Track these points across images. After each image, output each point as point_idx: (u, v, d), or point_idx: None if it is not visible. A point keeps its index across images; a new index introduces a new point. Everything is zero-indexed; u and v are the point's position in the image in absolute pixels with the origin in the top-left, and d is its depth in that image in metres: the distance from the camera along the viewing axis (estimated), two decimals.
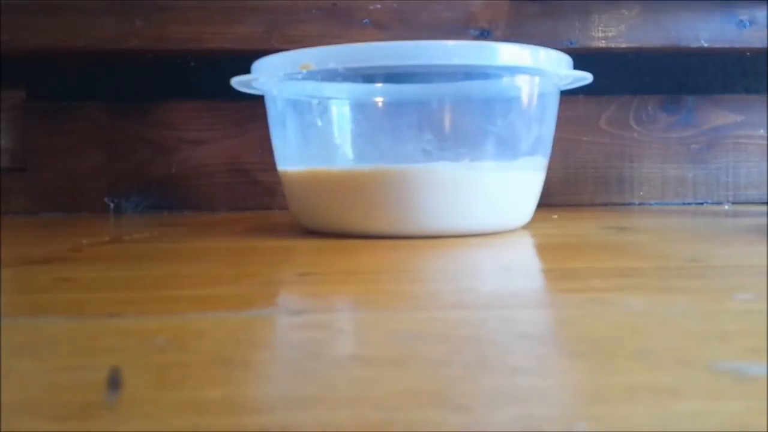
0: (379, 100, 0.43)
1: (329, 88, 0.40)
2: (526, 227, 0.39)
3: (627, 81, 0.62)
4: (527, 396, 0.12)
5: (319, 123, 0.39)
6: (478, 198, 0.35)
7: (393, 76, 0.38)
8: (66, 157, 0.59)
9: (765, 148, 0.62)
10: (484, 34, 0.57)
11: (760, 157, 0.62)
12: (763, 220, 0.44)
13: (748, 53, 0.61)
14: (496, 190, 0.36)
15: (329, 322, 0.17)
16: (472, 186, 0.35)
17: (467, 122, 0.37)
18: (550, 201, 0.57)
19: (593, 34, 0.59)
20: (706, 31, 0.59)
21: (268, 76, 0.37)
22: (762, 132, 0.62)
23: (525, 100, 0.38)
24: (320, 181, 0.36)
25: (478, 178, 0.35)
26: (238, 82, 0.39)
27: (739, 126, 0.62)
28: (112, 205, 0.59)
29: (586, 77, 0.38)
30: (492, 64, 0.34)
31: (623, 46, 0.59)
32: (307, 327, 0.17)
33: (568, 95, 0.41)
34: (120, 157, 0.59)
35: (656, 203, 0.62)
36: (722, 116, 0.62)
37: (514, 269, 0.26)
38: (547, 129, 0.39)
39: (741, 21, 0.59)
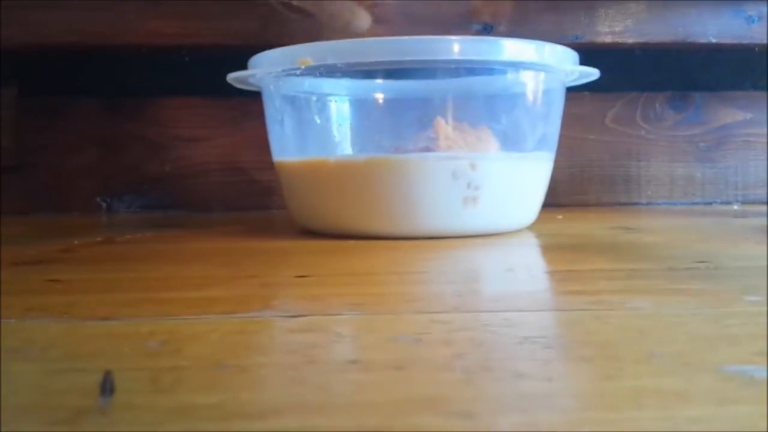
0: (380, 96, 0.42)
1: (328, 85, 0.40)
2: (530, 228, 0.39)
3: (634, 77, 0.61)
4: (532, 401, 0.12)
5: (318, 120, 0.39)
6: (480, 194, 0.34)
7: (394, 72, 0.37)
8: (58, 155, 0.58)
9: None
10: (487, 29, 0.57)
11: None
12: None
13: (756, 49, 0.60)
14: (501, 188, 0.35)
15: (327, 326, 0.17)
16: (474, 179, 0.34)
17: (470, 119, 0.37)
18: (555, 201, 0.57)
19: (599, 29, 0.58)
20: (714, 27, 0.58)
21: (266, 72, 0.36)
22: None
23: (530, 96, 0.37)
24: (317, 171, 0.36)
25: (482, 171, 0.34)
26: (234, 78, 0.38)
27: (747, 124, 0.62)
28: (104, 205, 0.58)
29: (592, 73, 0.37)
30: (496, 60, 0.34)
31: (630, 41, 0.59)
32: (304, 330, 0.17)
33: (573, 92, 0.40)
34: (113, 155, 0.59)
35: (664, 203, 0.61)
36: (731, 114, 0.62)
37: (518, 271, 0.26)
38: (552, 126, 0.38)
39: (749, 16, 0.58)
